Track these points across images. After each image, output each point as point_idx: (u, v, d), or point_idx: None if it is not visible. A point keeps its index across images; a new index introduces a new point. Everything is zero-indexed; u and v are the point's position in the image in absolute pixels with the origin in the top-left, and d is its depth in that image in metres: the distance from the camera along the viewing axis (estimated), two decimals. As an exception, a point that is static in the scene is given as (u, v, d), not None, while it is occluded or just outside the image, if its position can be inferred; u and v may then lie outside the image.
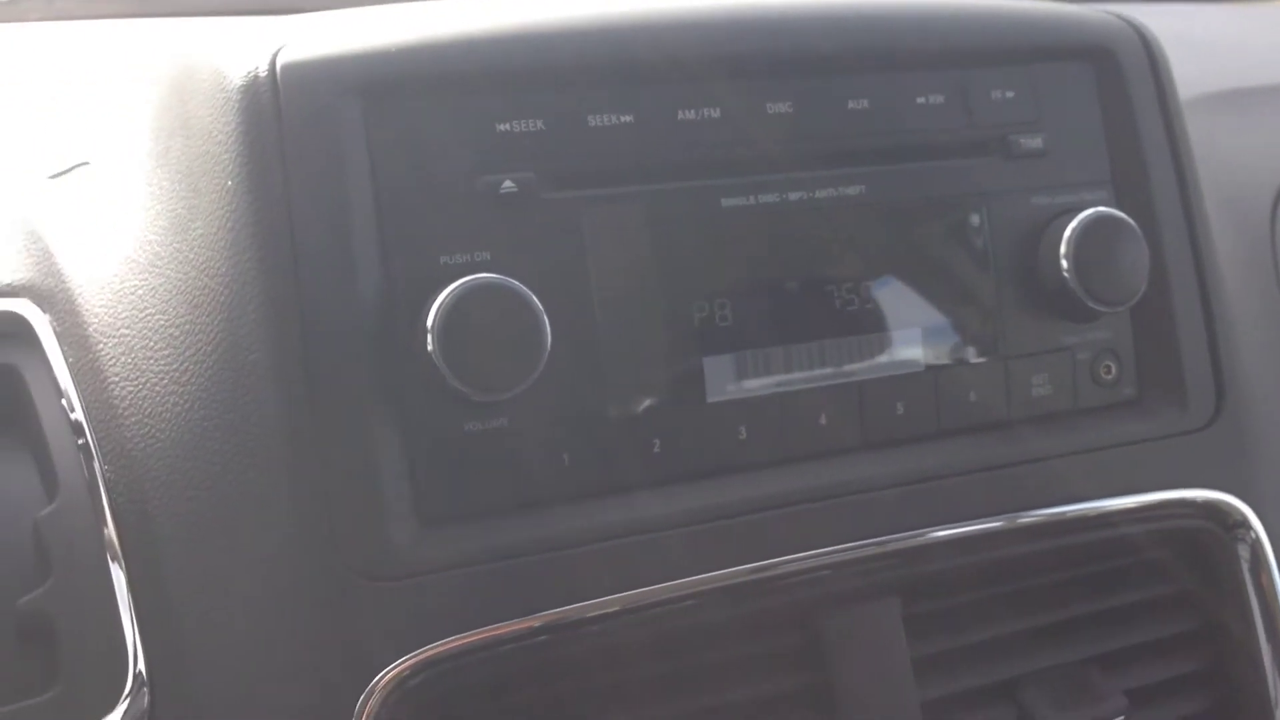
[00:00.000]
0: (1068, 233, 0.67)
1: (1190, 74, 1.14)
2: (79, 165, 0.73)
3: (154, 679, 0.56)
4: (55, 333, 0.64)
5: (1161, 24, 1.43)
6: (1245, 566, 0.72)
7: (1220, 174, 0.98)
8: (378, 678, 0.55)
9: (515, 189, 0.59)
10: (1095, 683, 0.68)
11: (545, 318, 0.57)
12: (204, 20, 1.08)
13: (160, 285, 0.61)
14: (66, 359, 0.62)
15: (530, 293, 0.57)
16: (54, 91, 0.85)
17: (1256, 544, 0.71)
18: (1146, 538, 0.71)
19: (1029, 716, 0.66)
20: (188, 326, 0.59)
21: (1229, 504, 0.71)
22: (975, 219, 0.68)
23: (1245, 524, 0.71)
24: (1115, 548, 0.71)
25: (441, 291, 0.56)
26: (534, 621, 0.57)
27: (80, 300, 0.64)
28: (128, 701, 0.56)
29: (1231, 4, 1.76)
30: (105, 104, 0.76)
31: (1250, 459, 0.72)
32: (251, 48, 0.59)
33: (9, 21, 1.02)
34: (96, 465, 0.60)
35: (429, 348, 0.56)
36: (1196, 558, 0.72)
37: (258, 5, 1.13)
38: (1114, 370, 0.71)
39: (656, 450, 0.61)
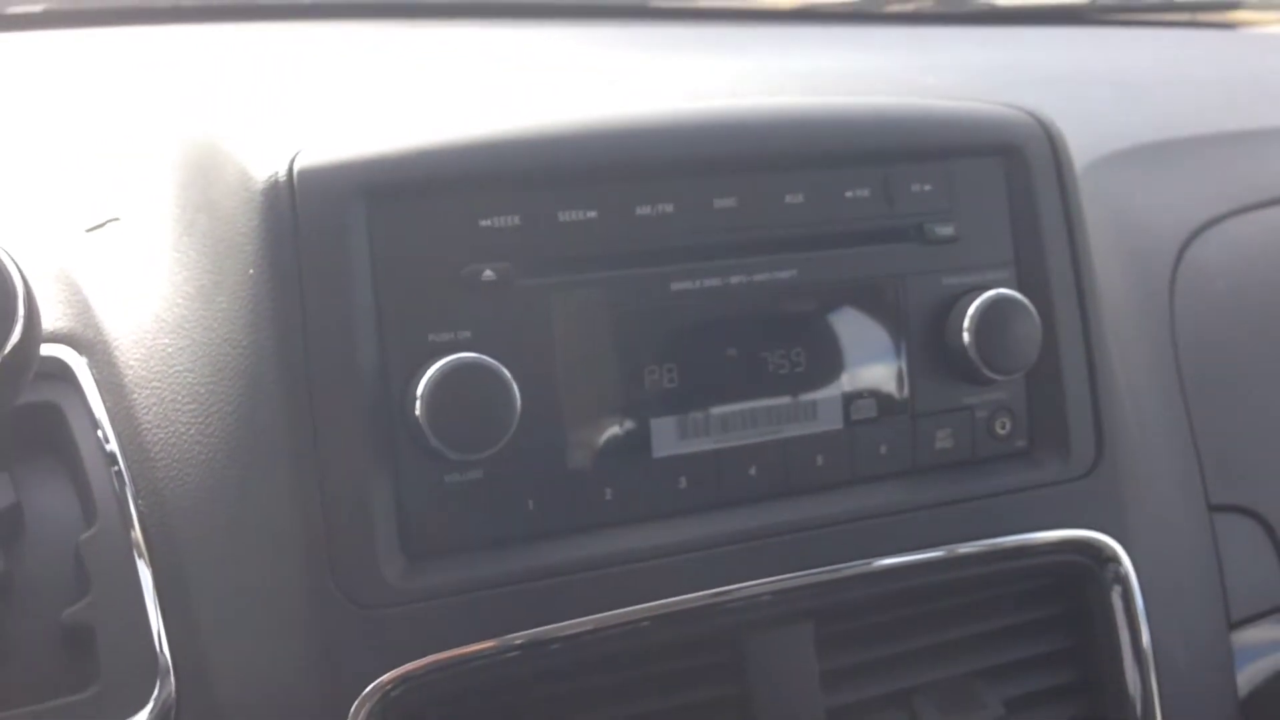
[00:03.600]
0: (971, 310, 0.78)
1: (1120, 123, 1.24)
2: (111, 220, 0.82)
3: (180, 681, 0.66)
4: (94, 377, 0.74)
5: (1106, 64, 1.52)
6: (1115, 594, 0.83)
7: (1129, 228, 1.08)
8: (367, 688, 0.66)
9: (494, 277, 0.69)
10: (978, 692, 0.80)
11: (516, 390, 0.67)
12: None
13: (187, 346, 0.71)
14: (104, 401, 0.72)
15: (504, 369, 0.67)
16: (85, 143, 0.94)
17: (1125, 576, 0.83)
18: (1031, 569, 0.83)
19: (918, 721, 0.78)
20: (212, 386, 0.69)
21: (1103, 541, 0.82)
22: (893, 297, 0.79)
23: (1116, 559, 0.83)
24: (1003, 578, 0.82)
25: (429, 366, 0.66)
26: (499, 642, 0.68)
27: (116, 352, 0.74)
28: (155, 699, 0.66)
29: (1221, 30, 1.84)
30: (137, 162, 0.85)
31: (1123, 503, 0.83)
32: (271, 148, 0.69)
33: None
34: (130, 495, 0.70)
35: (416, 413, 0.66)
36: (1074, 586, 0.84)
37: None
38: (1008, 425, 0.83)
39: (608, 498, 0.72)
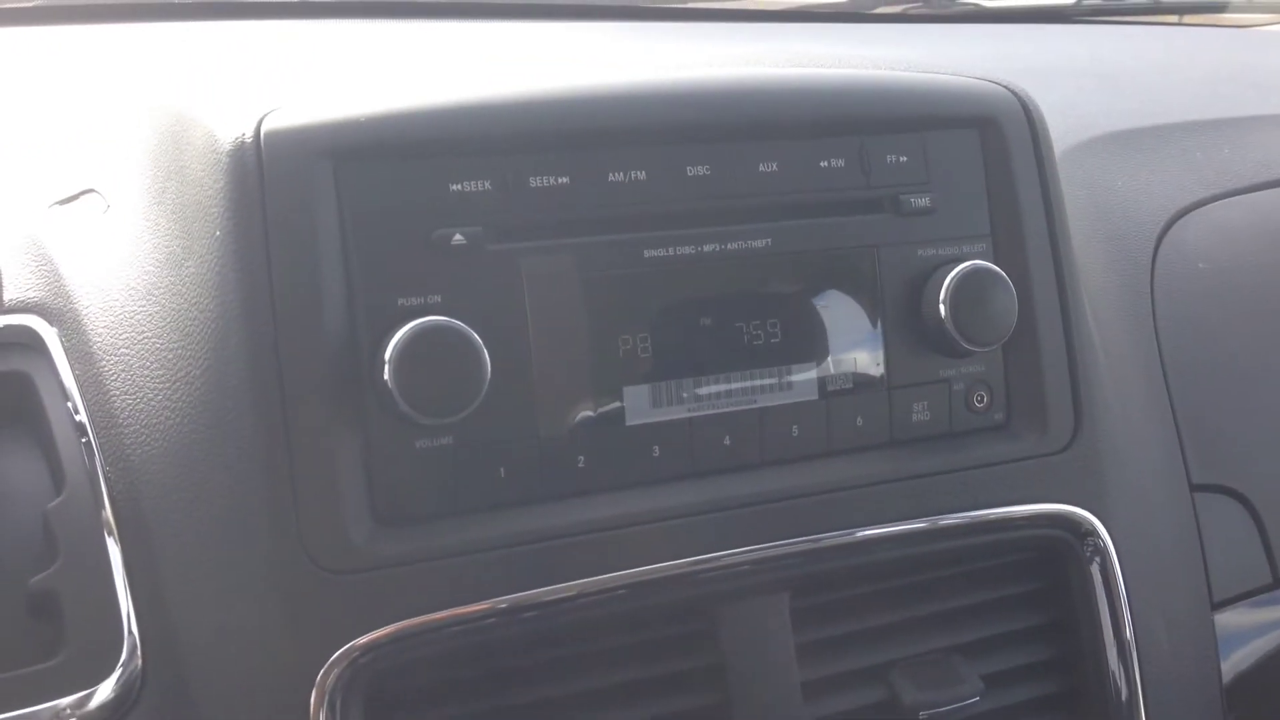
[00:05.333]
0: (947, 282, 0.78)
1: (1102, 109, 1.24)
2: (84, 192, 0.82)
3: (146, 648, 0.66)
4: (63, 346, 0.73)
5: (1089, 53, 1.53)
6: (1094, 569, 0.83)
7: (1109, 211, 1.08)
8: (334, 654, 0.65)
9: (465, 241, 0.69)
10: (956, 668, 0.79)
11: (486, 355, 0.67)
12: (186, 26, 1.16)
13: (156, 313, 0.70)
14: (73, 370, 0.72)
15: (474, 333, 0.66)
16: (53, 114, 0.94)
17: (1104, 550, 0.82)
18: (1010, 544, 0.82)
19: (896, 696, 0.77)
20: (180, 351, 0.69)
21: (1081, 516, 0.82)
22: (868, 268, 0.79)
23: (1094, 533, 0.82)
24: (981, 552, 0.82)
25: (398, 330, 0.66)
26: (469, 609, 0.67)
27: (85, 320, 0.73)
28: (122, 667, 0.66)
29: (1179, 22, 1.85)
30: (108, 133, 0.84)
31: (1101, 477, 0.83)
32: (239, 112, 0.68)
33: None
34: (99, 464, 0.70)
35: (385, 377, 0.66)
36: (1052, 561, 0.83)
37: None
38: (986, 399, 0.82)
39: (581, 465, 0.72)
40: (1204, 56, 1.62)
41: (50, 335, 0.74)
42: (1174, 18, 1.84)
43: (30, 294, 0.75)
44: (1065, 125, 1.08)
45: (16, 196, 0.84)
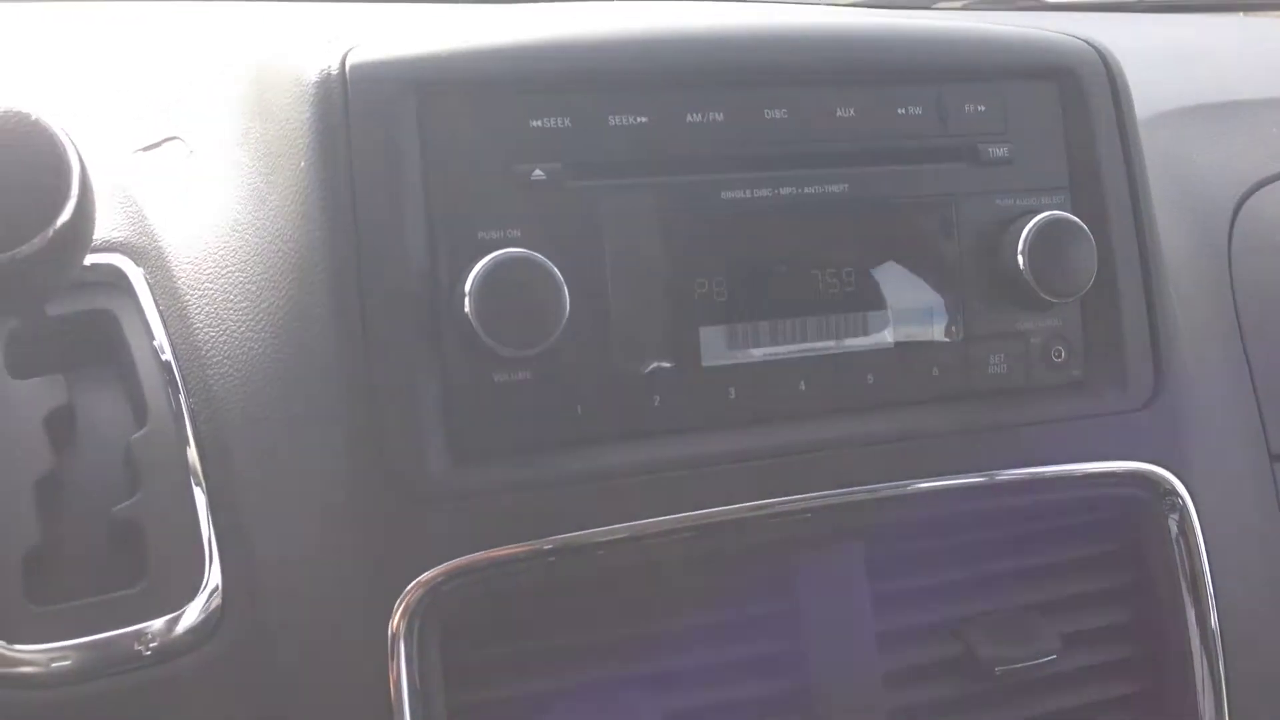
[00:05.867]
0: (1025, 232, 0.77)
1: (1176, 86, 1.23)
2: (169, 139, 0.83)
3: (227, 576, 0.66)
4: (148, 284, 0.74)
5: (1162, 35, 1.51)
6: (1174, 530, 0.81)
7: (1187, 180, 1.07)
8: (412, 583, 0.65)
9: (544, 177, 0.69)
10: (1033, 625, 0.78)
11: (565, 287, 0.67)
12: (273, 6, 1.18)
13: (240, 248, 0.71)
14: (158, 306, 0.73)
15: (553, 265, 0.67)
16: (140, 70, 0.95)
17: (1184, 511, 0.81)
18: (1088, 502, 0.81)
19: (971, 651, 0.76)
20: (263, 284, 0.69)
21: (1160, 475, 0.80)
22: (945, 217, 0.78)
23: (1174, 493, 0.80)
24: (1060, 509, 0.80)
25: (478, 262, 0.66)
26: (546, 544, 0.67)
27: (170, 258, 0.74)
28: (205, 595, 0.66)
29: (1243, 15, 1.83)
30: (191, 84, 0.86)
31: (1182, 436, 0.82)
32: (324, 47, 0.69)
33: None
34: (182, 397, 0.70)
35: (465, 309, 0.66)
36: (1132, 522, 0.82)
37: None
38: (1063, 354, 0.81)
39: (656, 405, 0.71)
40: (1268, 42, 1.60)
41: (136, 274, 0.75)
42: (1239, 13, 1.82)
43: (116, 234, 0.76)
44: (1139, 98, 1.07)
45: (102, 145, 0.86)
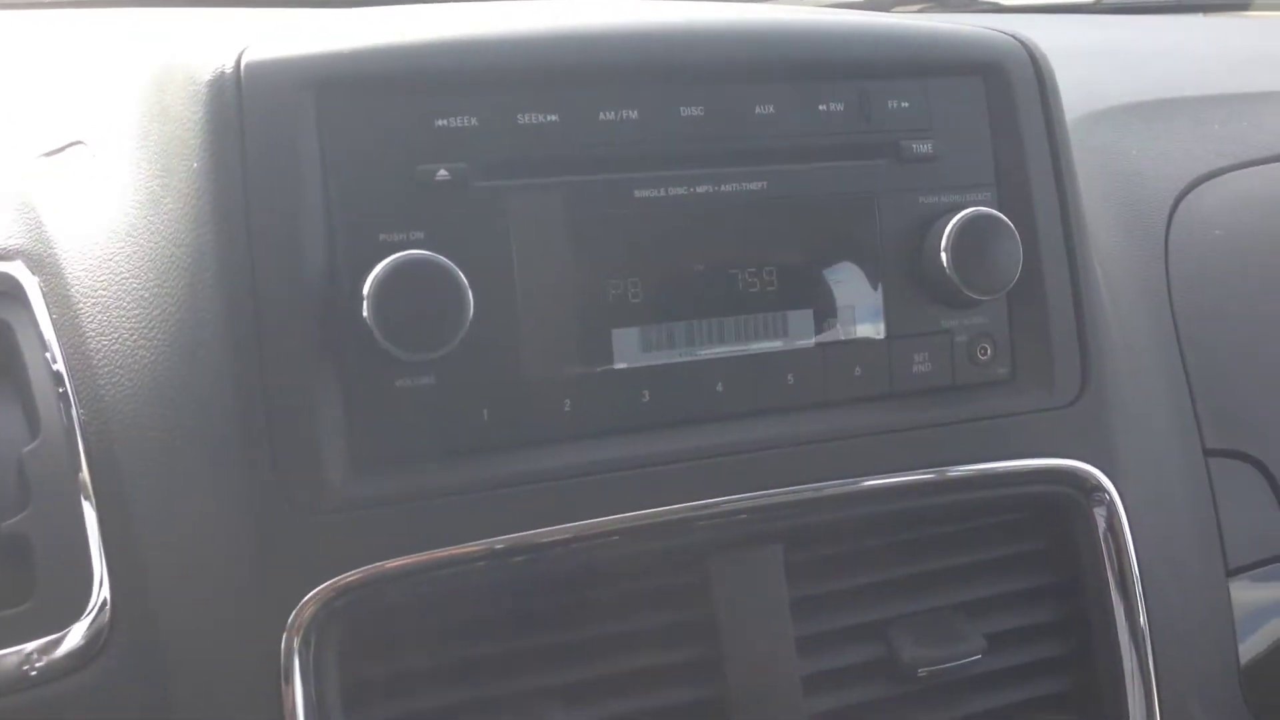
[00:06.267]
0: (948, 229, 0.75)
1: (1123, 84, 1.22)
2: (73, 144, 0.81)
3: (116, 592, 0.64)
4: (43, 293, 0.72)
5: (1118, 36, 1.50)
6: (1101, 527, 0.80)
7: (1123, 177, 1.06)
8: (307, 595, 0.63)
9: (449, 177, 0.67)
10: (958, 626, 0.76)
11: (468, 289, 0.65)
12: (183, 11, 1.16)
13: (135, 253, 0.69)
14: (51, 315, 0.70)
15: (454, 266, 0.65)
16: (47, 76, 0.93)
17: (1112, 507, 0.79)
18: (1013, 500, 0.80)
19: (895, 653, 0.74)
20: (156, 290, 0.67)
21: (1087, 472, 0.79)
22: (867, 215, 0.76)
23: (1101, 489, 0.79)
24: (984, 508, 0.79)
25: (377, 264, 0.64)
26: (449, 553, 0.65)
27: (66, 264, 0.72)
28: (92, 614, 0.64)
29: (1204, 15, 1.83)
30: (96, 89, 0.83)
31: (1110, 433, 0.80)
32: (220, 46, 0.67)
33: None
34: (74, 410, 0.68)
35: (364, 313, 0.64)
36: (1059, 520, 0.81)
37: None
38: (989, 351, 0.80)
39: (567, 409, 0.70)
40: (1223, 41, 1.60)
41: (32, 284, 0.72)
42: (1199, 14, 1.82)
43: (12, 241, 0.74)
44: (1077, 96, 1.05)
45: (4, 150, 0.83)
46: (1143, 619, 0.79)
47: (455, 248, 0.66)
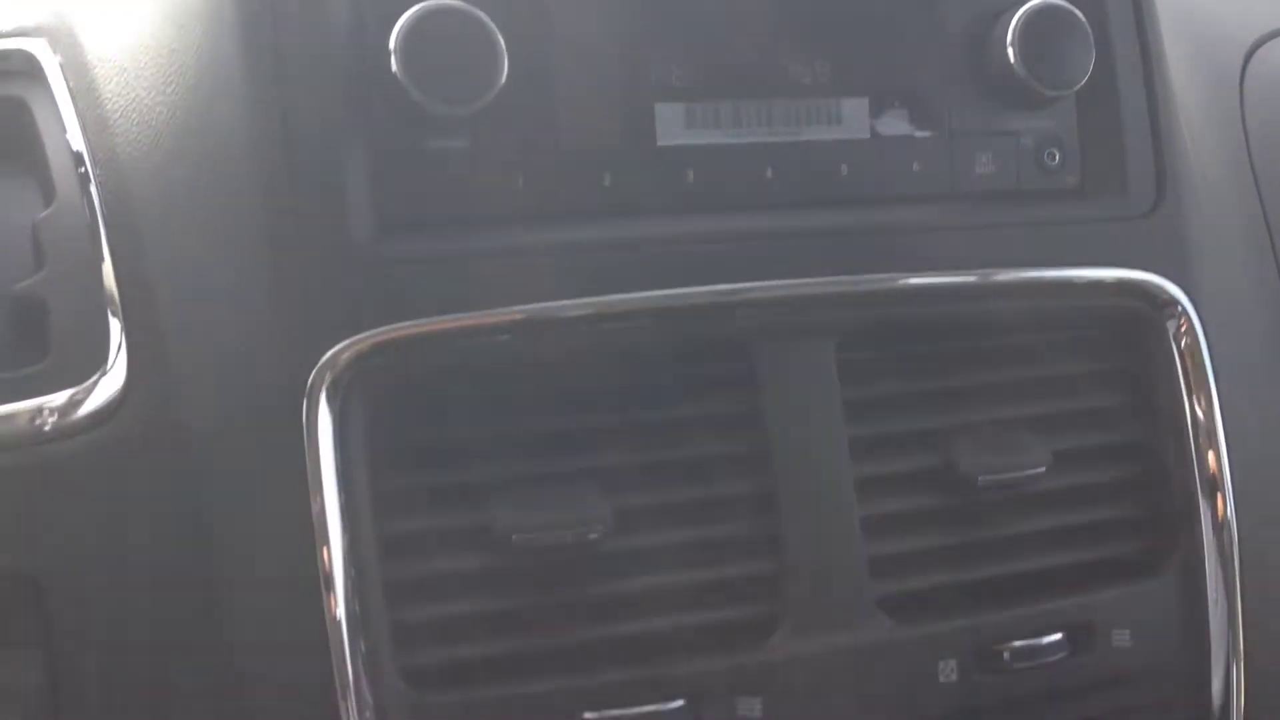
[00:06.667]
0: (1016, 19, 0.71)
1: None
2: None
3: (133, 350, 0.61)
4: (60, 66, 0.69)
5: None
6: (1175, 345, 0.74)
7: (1198, 22, 1.01)
8: (325, 355, 0.59)
9: None
10: (1020, 438, 0.71)
11: (500, 38, 0.61)
12: None
13: (151, 12, 0.66)
14: (68, 84, 0.67)
15: (484, 15, 0.61)
16: None
17: (1187, 324, 0.74)
18: (1081, 314, 0.74)
19: (952, 462, 0.70)
20: (174, 45, 0.64)
21: (1159, 285, 0.74)
22: (930, 2, 0.72)
23: (1174, 303, 0.74)
24: (1049, 321, 0.74)
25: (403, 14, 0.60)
26: (477, 319, 0.61)
27: (82, 34, 0.69)
28: (110, 369, 0.61)
29: None
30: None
31: (1187, 246, 0.75)
32: None
33: None
34: (90, 171, 0.65)
35: (393, 68, 0.60)
36: (1132, 337, 0.75)
37: None
38: (1058, 157, 0.75)
39: (607, 184, 0.66)
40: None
41: (51, 61, 0.70)
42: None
43: (33, 19, 0.71)
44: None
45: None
46: (1220, 441, 0.74)
47: (489, 2, 0.62)
